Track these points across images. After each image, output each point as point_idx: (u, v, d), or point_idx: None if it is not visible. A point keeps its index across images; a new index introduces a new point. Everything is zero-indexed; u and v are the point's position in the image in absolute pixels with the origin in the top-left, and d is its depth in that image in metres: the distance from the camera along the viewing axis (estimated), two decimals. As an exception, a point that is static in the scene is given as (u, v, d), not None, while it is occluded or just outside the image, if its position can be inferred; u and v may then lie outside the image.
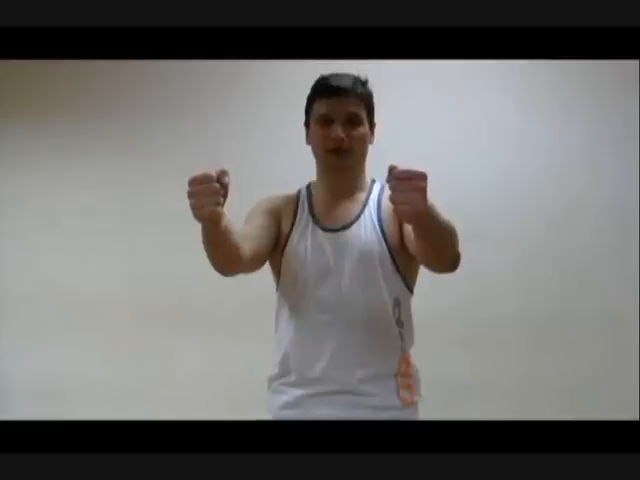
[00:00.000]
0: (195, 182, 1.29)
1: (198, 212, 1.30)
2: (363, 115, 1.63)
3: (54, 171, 3.22)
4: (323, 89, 1.63)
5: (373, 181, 1.73)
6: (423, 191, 1.22)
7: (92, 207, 3.16)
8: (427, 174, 1.24)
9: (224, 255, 1.47)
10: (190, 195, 1.30)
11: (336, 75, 1.64)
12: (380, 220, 1.62)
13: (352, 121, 1.60)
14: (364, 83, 1.65)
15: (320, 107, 1.62)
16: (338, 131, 1.59)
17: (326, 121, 1.61)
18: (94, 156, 3.18)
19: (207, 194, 1.29)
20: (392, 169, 1.23)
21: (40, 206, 3.20)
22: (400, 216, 1.28)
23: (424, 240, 1.40)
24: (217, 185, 1.29)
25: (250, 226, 1.62)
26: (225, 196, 1.33)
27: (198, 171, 1.30)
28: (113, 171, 3.16)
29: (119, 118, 3.17)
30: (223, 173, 1.31)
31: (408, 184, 1.21)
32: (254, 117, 3.07)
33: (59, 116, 3.21)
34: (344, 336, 1.56)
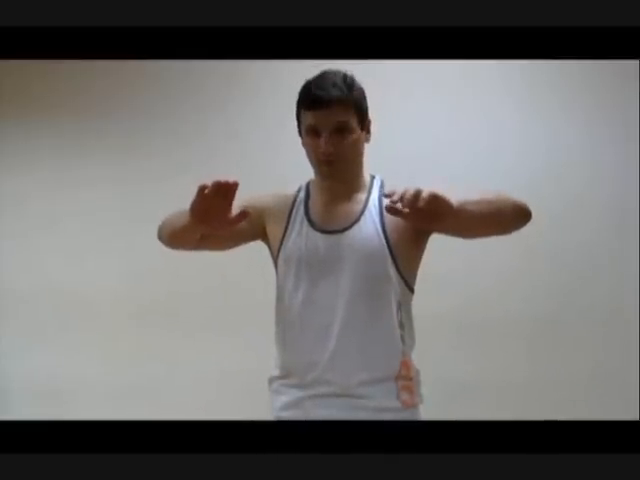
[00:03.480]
0: (217, 191, 1.36)
1: (204, 218, 1.42)
2: (352, 121, 1.56)
3: (54, 170, 3.22)
4: (307, 100, 1.56)
5: (373, 177, 1.70)
6: (418, 192, 1.31)
7: (92, 207, 3.16)
8: (419, 189, 1.33)
9: (181, 242, 1.63)
10: (203, 199, 1.38)
11: (320, 81, 1.56)
12: (382, 220, 1.59)
13: (341, 130, 1.55)
14: (351, 85, 1.57)
15: (307, 118, 1.58)
16: (326, 145, 1.54)
17: (314, 132, 1.57)
18: (94, 156, 3.18)
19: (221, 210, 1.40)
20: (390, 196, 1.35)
21: (40, 205, 3.20)
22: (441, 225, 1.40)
23: (473, 222, 1.48)
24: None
25: None
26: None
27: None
28: (113, 171, 3.16)
29: (119, 118, 3.17)
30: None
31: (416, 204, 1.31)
32: (254, 117, 3.07)
33: (59, 116, 3.21)
34: (344, 339, 1.55)
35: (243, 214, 1.41)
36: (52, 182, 3.21)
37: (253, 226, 1.68)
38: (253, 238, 1.72)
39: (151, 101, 3.17)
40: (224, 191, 1.37)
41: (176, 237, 1.61)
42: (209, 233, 1.54)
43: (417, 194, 1.31)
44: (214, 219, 1.42)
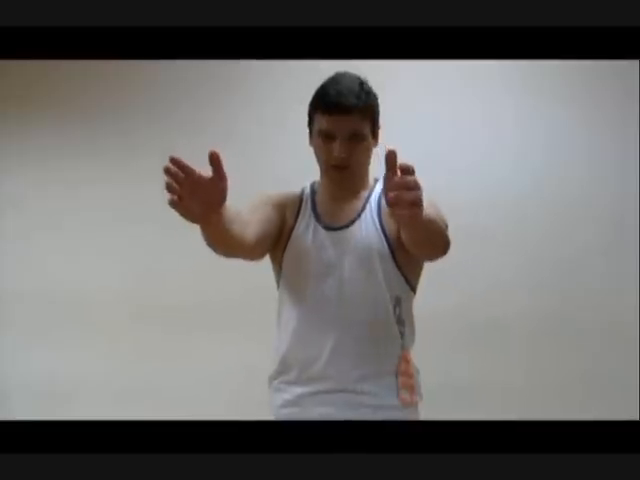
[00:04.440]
0: (177, 178, 1.18)
1: (189, 217, 1.24)
2: (366, 130, 1.58)
3: (53, 170, 3.22)
4: (325, 105, 1.55)
5: (376, 180, 1.71)
6: (419, 203, 1.20)
7: (92, 206, 3.16)
8: (420, 184, 1.20)
9: (224, 244, 1.45)
10: (171, 192, 1.19)
11: (338, 87, 1.54)
12: (380, 218, 1.62)
13: (355, 137, 1.56)
14: (368, 93, 1.57)
15: (322, 122, 1.57)
16: (340, 150, 1.55)
17: (328, 137, 1.57)
18: (94, 155, 3.18)
19: (197, 195, 1.21)
20: (390, 155, 1.18)
21: (39, 205, 3.20)
22: (397, 221, 1.31)
23: (416, 236, 1.46)
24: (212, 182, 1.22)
25: (255, 216, 1.57)
26: (221, 192, 1.25)
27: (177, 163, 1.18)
28: (113, 171, 3.16)
29: (119, 118, 3.17)
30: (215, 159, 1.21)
31: (404, 196, 1.17)
32: (254, 117, 3.07)
33: (59, 116, 3.21)
34: (344, 334, 1.57)
35: (213, 157, 1.22)
36: (52, 182, 3.21)
37: (279, 215, 1.64)
38: (279, 228, 1.64)
39: (151, 101, 3.17)
40: (176, 176, 1.19)
41: (215, 241, 1.42)
42: (215, 212, 1.31)
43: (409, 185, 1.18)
44: (198, 192, 1.23)
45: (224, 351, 2.92)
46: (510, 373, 2.78)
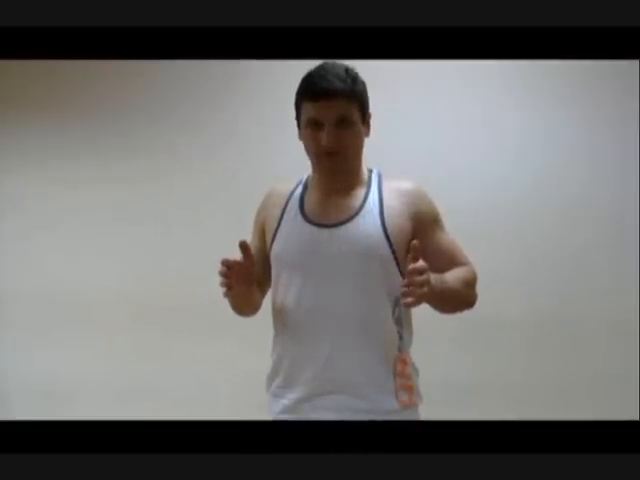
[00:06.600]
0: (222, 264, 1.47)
1: (236, 297, 1.56)
2: (355, 115, 1.55)
3: (53, 170, 3.23)
4: (310, 91, 1.54)
5: (370, 171, 1.67)
6: (425, 284, 1.37)
7: (91, 206, 3.16)
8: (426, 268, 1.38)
9: (247, 312, 1.71)
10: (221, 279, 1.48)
11: (323, 72, 1.54)
12: (382, 216, 1.57)
13: (343, 123, 1.53)
14: (354, 77, 1.56)
15: (308, 110, 1.55)
16: (328, 138, 1.52)
17: (316, 124, 1.54)
18: (94, 155, 3.19)
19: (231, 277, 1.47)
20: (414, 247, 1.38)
21: (39, 206, 3.20)
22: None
23: (441, 308, 1.60)
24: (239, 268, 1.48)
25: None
26: (252, 271, 1.52)
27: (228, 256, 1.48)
28: (113, 170, 3.16)
29: (118, 118, 3.17)
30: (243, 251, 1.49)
31: (414, 282, 1.35)
32: (253, 117, 3.07)
33: (59, 116, 3.21)
34: (340, 336, 1.53)
35: (242, 247, 1.50)
36: (52, 182, 3.21)
37: (265, 241, 1.69)
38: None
39: (151, 101, 3.17)
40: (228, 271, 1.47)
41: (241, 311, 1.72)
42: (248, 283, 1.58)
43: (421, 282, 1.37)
44: (239, 277, 1.49)
45: (224, 351, 2.92)
46: (510, 373, 2.78)
